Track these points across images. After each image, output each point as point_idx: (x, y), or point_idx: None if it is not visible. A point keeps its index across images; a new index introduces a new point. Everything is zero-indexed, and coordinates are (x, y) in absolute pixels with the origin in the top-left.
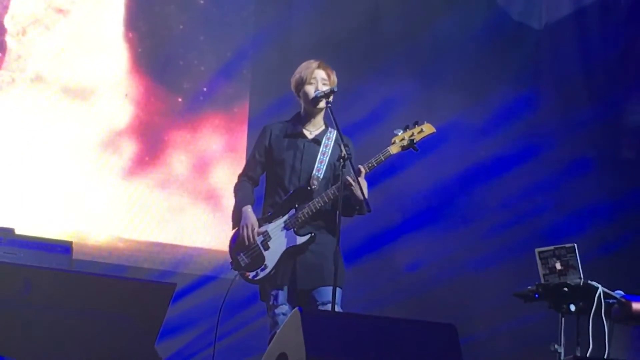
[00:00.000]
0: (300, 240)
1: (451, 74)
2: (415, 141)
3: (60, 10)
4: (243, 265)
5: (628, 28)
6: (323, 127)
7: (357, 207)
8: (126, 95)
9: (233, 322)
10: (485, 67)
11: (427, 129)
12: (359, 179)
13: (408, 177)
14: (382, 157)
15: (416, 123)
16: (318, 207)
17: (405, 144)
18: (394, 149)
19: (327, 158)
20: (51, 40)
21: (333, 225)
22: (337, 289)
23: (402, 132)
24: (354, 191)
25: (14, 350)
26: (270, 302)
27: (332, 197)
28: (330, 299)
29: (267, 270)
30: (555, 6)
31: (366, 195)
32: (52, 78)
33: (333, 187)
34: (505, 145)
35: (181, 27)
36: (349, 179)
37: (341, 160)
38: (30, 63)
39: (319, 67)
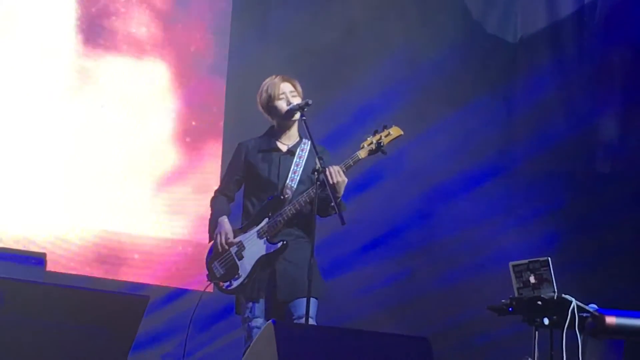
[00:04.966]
0: (273, 248)
1: (425, 87)
2: (383, 144)
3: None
4: (218, 275)
5: (603, 42)
6: (297, 139)
7: (333, 205)
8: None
9: (207, 335)
10: (460, 80)
11: (395, 131)
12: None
13: (378, 191)
14: (351, 162)
15: (385, 127)
16: (290, 215)
17: (373, 148)
18: (362, 154)
19: (301, 169)
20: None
21: (309, 234)
22: (312, 299)
23: (370, 137)
24: (338, 187)
25: None
26: (245, 315)
27: (303, 204)
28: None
29: (240, 280)
30: (531, 20)
31: (341, 193)
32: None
33: (304, 193)
34: (478, 159)
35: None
36: (329, 173)
37: (315, 173)
38: None
39: (283, 80)
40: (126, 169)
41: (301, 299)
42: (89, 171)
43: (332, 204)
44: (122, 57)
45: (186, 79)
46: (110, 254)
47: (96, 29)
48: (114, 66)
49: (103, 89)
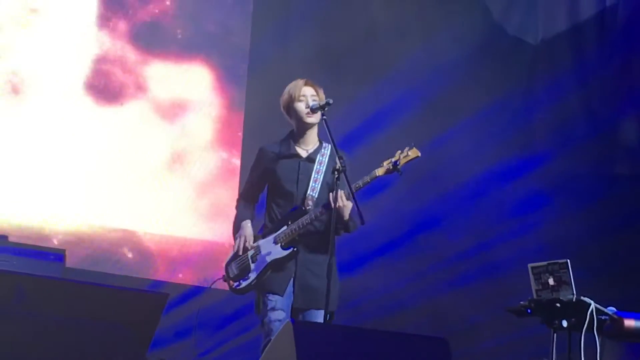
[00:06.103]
0: (283, 253)
1: (446, 88)
2: (399, 164)
3: (34, 10)
4: (232, 275)
5: (624, 44)
6: (317, 144)
7: (342, 227)
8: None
9: (225, 332)
10: (480, 81)
11: (412, 153)
12: (343, 200)
13: (398, 193)
14: (368, 179)
15: (400, 152)
16: (305, 224)
17: (390, 167)
18: (380, 171)
19: (322, 176)
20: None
21: (328, 245)
22: (323, 312)
23: (392, 158)
24: (340, 211)
25: (5, 357)
26: (268, 307)
27: (319, 215)
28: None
29: (249, 281)
30: (552, 21)
31: (346, 217)
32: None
33: (320, 206)
34: (497, 160)
35: (179, 37)
36: (339, 198)
37: (335, 172)
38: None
39: (305, 84)
40: (166, 171)
41: (316, 311)
42: (125, 172)
43: (339, 225)
44: (161, 61)
45: (222, 82)
46: (137, 252)
47: (137, 32)
48: (156, 69)
49: (146, 92)
